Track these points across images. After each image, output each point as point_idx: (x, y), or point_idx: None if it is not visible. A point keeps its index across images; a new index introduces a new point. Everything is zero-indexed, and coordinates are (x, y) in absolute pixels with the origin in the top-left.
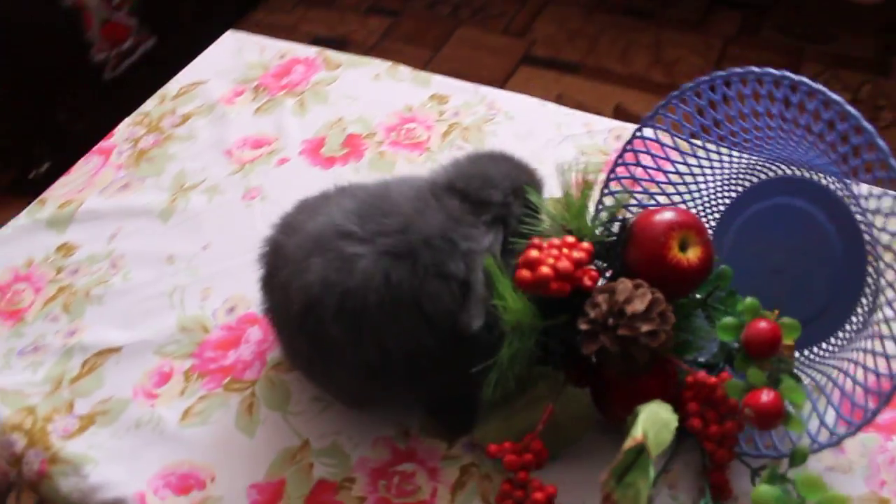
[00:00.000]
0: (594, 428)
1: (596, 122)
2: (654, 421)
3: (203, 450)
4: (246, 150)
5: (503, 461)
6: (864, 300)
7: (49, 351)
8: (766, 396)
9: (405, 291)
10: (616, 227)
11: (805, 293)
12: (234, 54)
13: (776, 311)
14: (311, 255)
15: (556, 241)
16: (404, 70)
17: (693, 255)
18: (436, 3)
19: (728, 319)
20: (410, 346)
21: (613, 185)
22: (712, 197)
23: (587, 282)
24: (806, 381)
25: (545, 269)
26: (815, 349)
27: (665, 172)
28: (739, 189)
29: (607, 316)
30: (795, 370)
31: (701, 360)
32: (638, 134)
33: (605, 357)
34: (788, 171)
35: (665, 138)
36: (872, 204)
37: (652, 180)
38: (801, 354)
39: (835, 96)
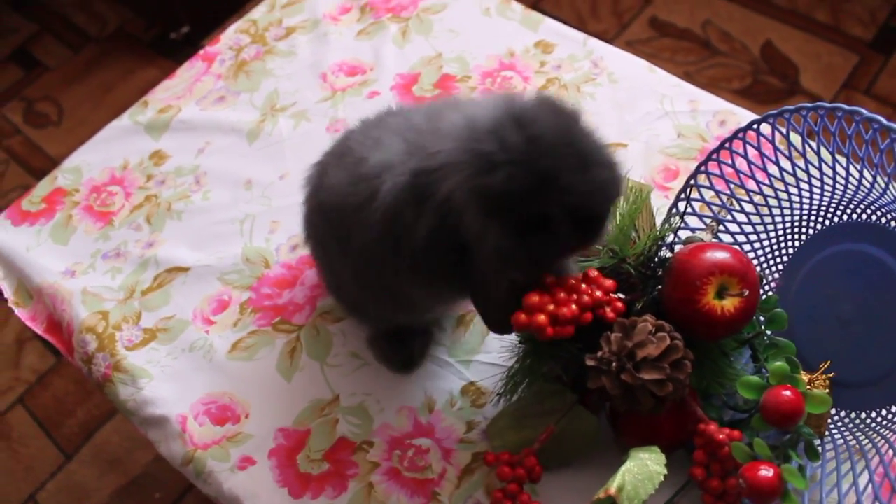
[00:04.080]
0: (606, 443)
1: (703, 99)
2: (639, 472)
3: (244, 385)
4: (340, 77)
5: (496, 472)
6: None
7: (129, 259)
8: (763, 472)
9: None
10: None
11: (870, 351)
12: None
13: (824, 366)
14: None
15: (571, 279)
16: (517, 7)
17: (730, 304)
18: None
19: (751, 378)
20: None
21: (701, 179)
22: (793, 227)
23: (609, 314)
24: (852, 443)
25: (541, 318)
26: (873, 414)
27: (757, 182)
28: (823, 224)
29: (614, 358)
30: (842, 432)
31: (735, 403)
32: (753, 126)
33: (609, 396)
34: (871, 216)
35: (755, 155)
36: None
37: (742, 186)
38: (858, 416)
39: None
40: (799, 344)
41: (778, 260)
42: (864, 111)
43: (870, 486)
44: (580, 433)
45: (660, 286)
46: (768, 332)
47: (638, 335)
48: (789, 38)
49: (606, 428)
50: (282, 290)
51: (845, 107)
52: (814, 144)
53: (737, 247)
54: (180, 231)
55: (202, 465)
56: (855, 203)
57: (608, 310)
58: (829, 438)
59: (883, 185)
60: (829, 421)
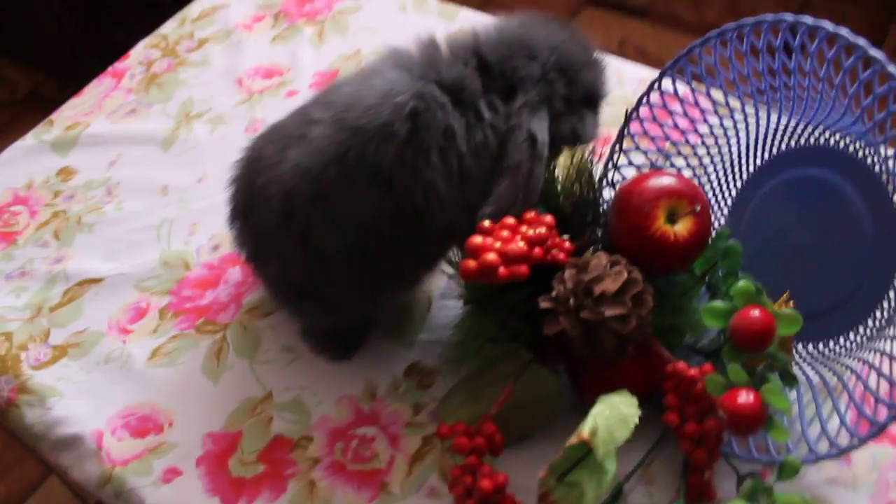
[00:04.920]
0: (570, 408)
1: (627, 70)
2: (611, 415)
3: (167, 392)
4: (257, 80)
5: (453, 444)
6: (892, 293)
7: (35, 277)
8: (744, 398)
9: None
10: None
11: (827, 279)
12: None
13: (784, 296)
14: (286, 149)
15: (509, 220)
16: (432, 2)
17: (683, 228)
18: None
19: (716, 303)
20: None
21: (626, 144)
22: (735, 163)
23: (559, 255)
24: (815, 379)
25: (490, 256)
26: (831, 343)
27: (683, 131)
28: (766, 155)
29: (571, 295)
30: (804, 366)
31: (701, 345)
32: (656, 86)
33: (569, 341)
34: (821, 139)
35: (686, 93)
36: None
37: (667, 138)
38: (815, 348)
39: (874, 51)
40: (756, 277)
41: (723, 202)
42: (788, 15)
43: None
44: (540, 396)
45: (605, 225)
46: (723, 269)
47: (593, 270)
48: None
49: (568, 393)
50: (204, 291)
51: (789, 17)
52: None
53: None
54: (92, 243)
55: (121, 484)
56: (794, 126)
57: (556, 251)
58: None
59: (829, 103)
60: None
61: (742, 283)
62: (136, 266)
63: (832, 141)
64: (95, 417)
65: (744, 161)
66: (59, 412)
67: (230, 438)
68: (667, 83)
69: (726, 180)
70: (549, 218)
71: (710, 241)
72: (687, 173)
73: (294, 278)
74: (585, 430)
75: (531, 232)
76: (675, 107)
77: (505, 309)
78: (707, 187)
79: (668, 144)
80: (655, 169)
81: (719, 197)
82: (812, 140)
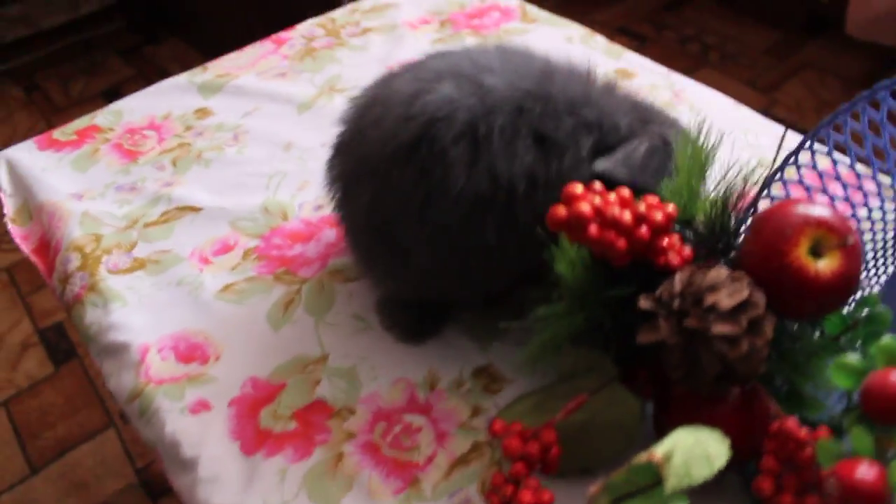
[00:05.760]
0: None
1: (794, 139)
2: (694, 446)
3: (225, 327)
4: None
5: (502, 444)
6: None
7: (142, 193)
8: (864, 472)
9: (532, 124)
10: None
11: None
12: None
13: None
14: (436, 81)
15: (625, 191)
16: (600, 40)
17: (827, 265)
18: (688, 40)
19: (850, 359)
20: (521, 178)
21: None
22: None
23: (674, 258)
24: None
25: (585, 207)
26: None
27: (832, 197)
28: None
29: (678, 297)
30: None
31: (816, 414)
32: (807, 145)
33: (664, 356)
34: None
35: (828, 167)
36: None
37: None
38: None
39: None
40: None
41: (880, 273)
42: None
43: None
44: (616, 421)
45: (737, 251)
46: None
47: (710, 279)
48: None
49: (648, 429)
50: (294, 243)
51: None
52: None
53: None
54: (204, 176)
55: (149, 402)
56: None
57: (672, 254)
58: None
59: None
60: None
61: (888, 340)
62: (238, 205)
63: None
64: (149, 332)
65: None
66: (116, 318)
67: (271, 388)
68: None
69: (884, 256)
70: (671, 207)
71: (854, 298)
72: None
73: (383, 216)
74: (659, 451)
75: (643, 210)
76: (826, 169)
77: (598, 306)
78: (867, 244)
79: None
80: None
81: (879, 261)
82: None
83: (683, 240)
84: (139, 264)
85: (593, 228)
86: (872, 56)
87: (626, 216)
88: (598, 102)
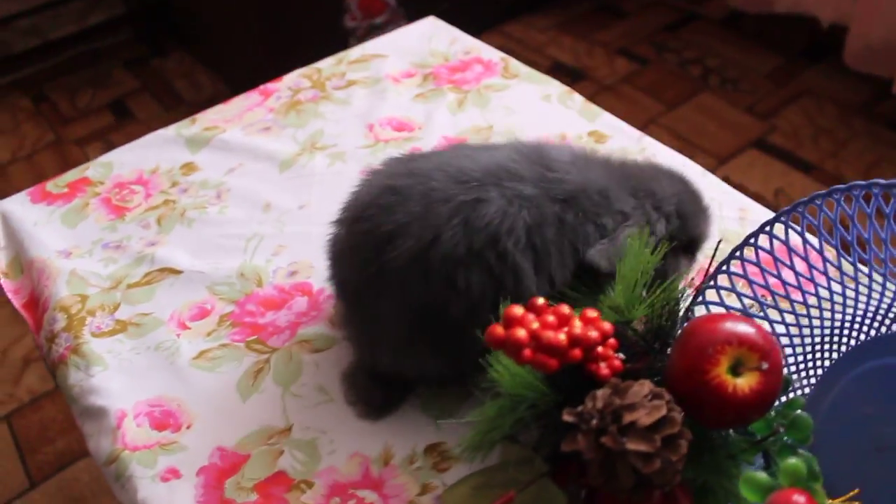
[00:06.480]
0: None
1: (753, 209)
2: None
3: (197, 395)
4: (387, 130)
5: None
6: None
7: (127, 252)
8: None
9: (566, 233)
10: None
11: None
12: (423, 38)
13: (852, 494)
14: (480, 189)
15: (565, 308)
16: (578, 99)
17: (746, 383)
18: (689, 63)
19: (758, 474)
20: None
21: (723, 281)
22: (836, 333)
23: (603, 370)
24: None
25: (521, 333)
26: None
27: (785, 284)
28: (872, 332)
29: (597, 415)
30: None
31: None
32: (767, 229)
33: (585, 464)
34: None
35: (798, 245)
36: None
37: (767, 287)
38: None
39: None
40: (825, 468)
41: (812, 371)
42: None
43: None
44: None
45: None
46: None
47: (630, 397)
48: None
49: None
50: (267, 311)
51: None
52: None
53: None
54: (186, 237)
55: (124, 468)
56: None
57: (603, 365)
58: None
59: None
60: None
61: (793, 462)
62: (216, 269)
63: None
64: (126, 397)
65: (846, 333)
66: (97, 381)
67: (236, 459)
68: (780, 230)
69: (821, 350)
70: (607, 325)
71: (777, 406)
72: (780, 329)
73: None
74: None
75: (578, 331)
76: (784, 256)
77: (531, 409)
78: (798, 349)
79: (768, 295)
80: (742, 313)
81: (809, 365)
82: None
83: (624, 339)
84: (121, 327)
85: (527, 352)
86: (870, 85)
87: (561, 338)
88: (616, 194)
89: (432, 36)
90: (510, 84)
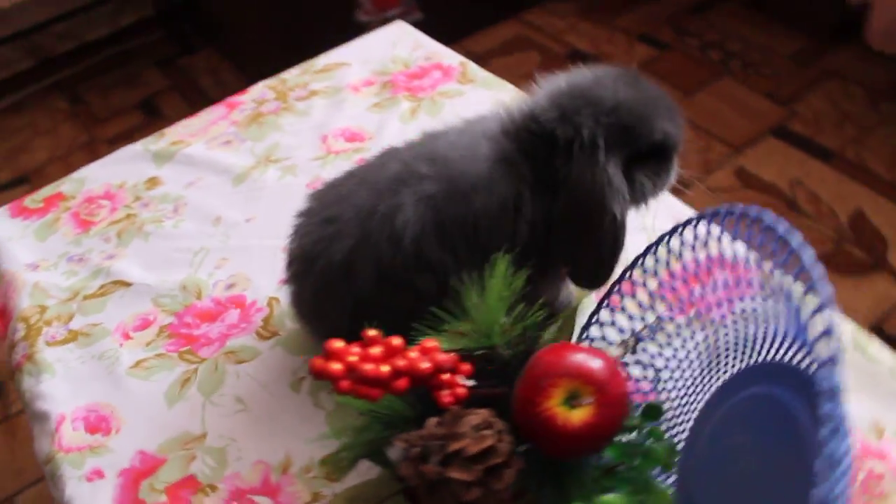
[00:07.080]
0: None
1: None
2: None
3: (129, 402)
4: (339, 141)
5: None
6: None
7: (87, 265)
8: None
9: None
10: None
11: None
12: (387, 44)
13: None
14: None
15: (396, 341)
16: None
17: (578, 416)
18: (710, 47)
19: (609, 497)
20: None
21: (615, 302)
22: (720, 360)
23: (446, 398)
24: None
25: (335, 367)
26: None
27: (670, 306)
28: (749, 360)
29: (421, 444)
30: None
31: None
32: (653, 251)
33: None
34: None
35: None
36: None
37: (654, 312)
38: None
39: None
40: (702, 498)
41: (695, 401)
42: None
43: None
44: None
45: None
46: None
47: (461, 426)
48: (883, 211)
49: None
50: (202, 322)
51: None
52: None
53: (649, 371)
54: (141, 250)
55: (56, 468)
56: (762, 338)
57: (445, 392)
58: None
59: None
60: None
61: (610, 497)
62: (161, 282)
63: (787, 356)
64: (67, 403)
65: (729, 360)
66: (44, 387)
67: (154, 462)
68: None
69: (702, 379)
70: (442, 356)
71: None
72: (660, 359)
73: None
74: None
75: (402, 363)
76: (676, 280)
77: (389, 428)
78: (680, 381)
79: (654, 318)
80: (633, 338)
81: (692, 396)
82: (774, 354)
83: (490, 362)
84: (72, 336)
85: (344, 383)
86: None
87: (384, 370)
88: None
89: (396, 42)
90: (465, 90)
